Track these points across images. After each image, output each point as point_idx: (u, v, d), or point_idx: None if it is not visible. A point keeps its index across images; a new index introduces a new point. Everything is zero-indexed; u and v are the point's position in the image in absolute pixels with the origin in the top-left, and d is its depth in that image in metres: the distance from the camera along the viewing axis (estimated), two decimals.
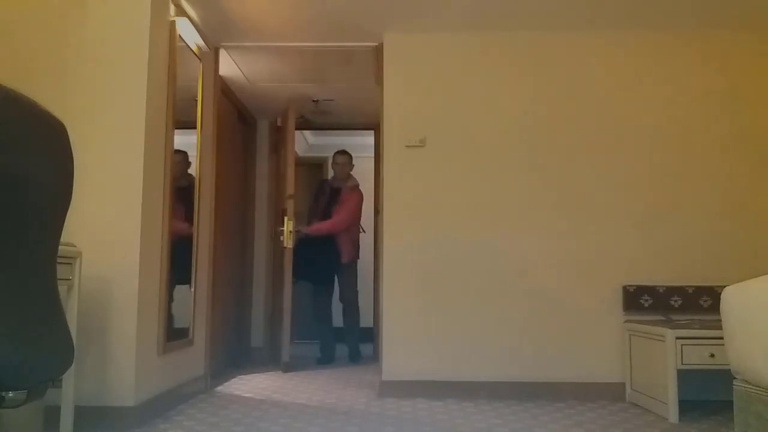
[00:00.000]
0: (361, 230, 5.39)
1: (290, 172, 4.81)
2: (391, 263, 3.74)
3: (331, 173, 5.65)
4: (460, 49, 3.87)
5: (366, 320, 5.52)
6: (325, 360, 5.11)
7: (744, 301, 1.82)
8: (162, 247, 3.11)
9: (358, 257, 5.35)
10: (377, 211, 4.50)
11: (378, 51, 3.97)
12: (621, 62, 3.85)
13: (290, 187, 4.74)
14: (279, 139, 5.40)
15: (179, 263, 3.41)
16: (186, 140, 3.55)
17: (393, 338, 3.70)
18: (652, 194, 3.75)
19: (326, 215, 5.13)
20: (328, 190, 5.30)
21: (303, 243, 5.00)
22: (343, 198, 5.16)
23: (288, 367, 4.57)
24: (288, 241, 4.63)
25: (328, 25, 3.75)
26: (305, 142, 6.82)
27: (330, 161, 5.57)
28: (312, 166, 6.92)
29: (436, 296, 3.71)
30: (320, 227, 5.09)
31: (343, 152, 5.31)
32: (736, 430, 1.86)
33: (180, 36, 3.37)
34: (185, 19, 3.41)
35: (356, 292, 5.31)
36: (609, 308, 3.67)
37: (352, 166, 5.31)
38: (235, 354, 4.94)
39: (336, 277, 5.24)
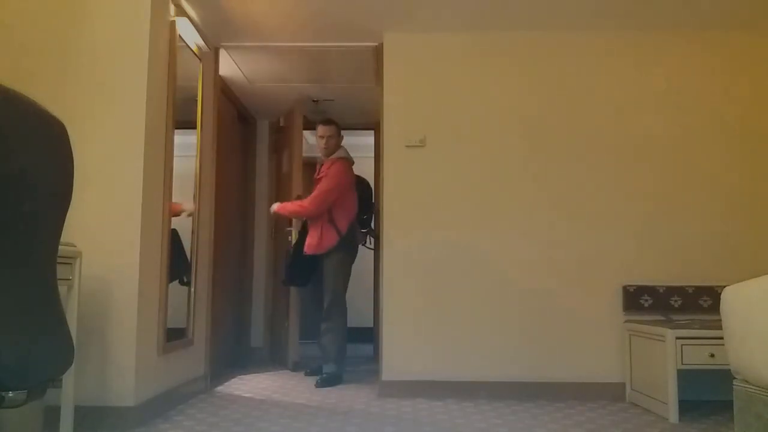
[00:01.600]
0: (354, 211, 4.29)
1: (297, 172, 4.75)
2: (390, 263, 3.74)
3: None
4: (460, 49, 3.87)
5: (366, 320, 5.52)
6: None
7: (744, 301, 1.82)
8: (162, 247, 3.11)
9: (333, 246, 4.15)
10: (377, 211, 4.50)
11: (378, 51, 3.97)
12: (621, 62, 3.84)
13: (297, 188, 4.71)
14: (281, 139, 5.34)
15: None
16: (186, 140, 3.55)
17: (393, 338, 3.70)
18: (652, 194, 3.75)
19: None
20: (318, 170, 4.38)
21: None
22: (320, 175, 4.24)
23: (297, 367, 4.58)
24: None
25: (328, 25, 3.75)
26: (305, 142, 6.80)
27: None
28: (311, 166, 6.90)
29: (436, 296, 3.71)
30: (285, 207, 4.24)
31: (328, 121, 4.36)
32: (736, 430, 1.85)
33: (180, 36, 3.37)
34: (185, 19, 3.41)
35: (327, 295, 4.15)
36: (609, 308, 3.67)
37: (340, 137, 4.34)
38: (235, 354, 4.94)
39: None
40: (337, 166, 4.19)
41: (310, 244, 4.14)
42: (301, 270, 4.27)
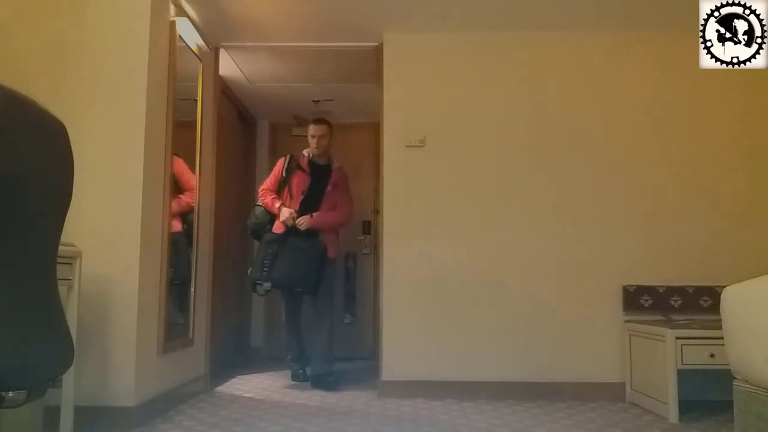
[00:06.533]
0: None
1: None
2: (390, 263, 3.74)
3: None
4: (460, 49, 3.87)
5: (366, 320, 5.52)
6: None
7: (744, 301, 1.82)
8: (162, 247, 3.11)
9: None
10: (377, 211, 4.49)
11: (378, 51, 3.97)
12: (622, 63, 3.84)
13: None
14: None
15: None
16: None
17: (393, 338, 3.69)
18: (652, 194, 3.75)
19: (314, 199, 4.05)
20: (307, 168, 4.13)
21: (281, 239, 3.99)
22: (339, 182, 4.17)
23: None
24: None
25: (328, 25, 3.75)
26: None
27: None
28: None
29: (436, 296, 3.71)
30: (322, 219, 4.03)
31: (320, 120, 4.23)
32: (736, 430, 1.85)
33: (180, 36, 3.37)
34: (185, 19, 3.41)
35: (330, 298, 4.17)
36: (609, 308, 3.67)
37: (333, 138, 4.25)
38: (235, 354, 4.94)
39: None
40: (347, 177, 4.28)
41: (336, 249, 4.15)
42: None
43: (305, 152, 4.18)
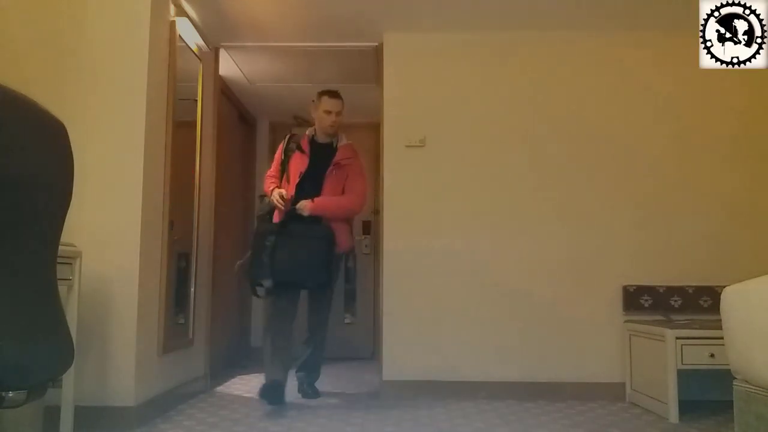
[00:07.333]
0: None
1: None
2: (391, 263, 3.74)
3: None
4: (460, 49, 3.87)
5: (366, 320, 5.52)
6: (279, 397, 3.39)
7: (744, 301, 1.82)
8: (162, 247, 3.11)
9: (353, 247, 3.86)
10: (377, 211, 4.49)
11: (378, 51, 3.97)
12: (622, 63, 3.84)
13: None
14: None
15: None
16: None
17: (393, 338, 3.69)
18: (652, 194, 3.75)
19: (314, 182, 3.50)
20: (308, 147, 3.60)
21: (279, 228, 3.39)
22: (344, 161, 3.59)
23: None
24: None
25: (328, 25, 3.75)
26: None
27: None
28: None
29: (436, 296, 3.71)
30: (325, 205, 3.45)
31: (337, 94, 3.65)
32: (736, 430, 1.86)
33: (180, 36, 3.37)
34: (185, 19, 3.41)
35: (329, 300, 3.70)
36: (609, 308, 3.67)
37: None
38: (235, 354, 4.94)
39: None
40: (359, 156, 3.68)
41: (345, 242, 3.56)
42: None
43: (308, 131, 3.68)
